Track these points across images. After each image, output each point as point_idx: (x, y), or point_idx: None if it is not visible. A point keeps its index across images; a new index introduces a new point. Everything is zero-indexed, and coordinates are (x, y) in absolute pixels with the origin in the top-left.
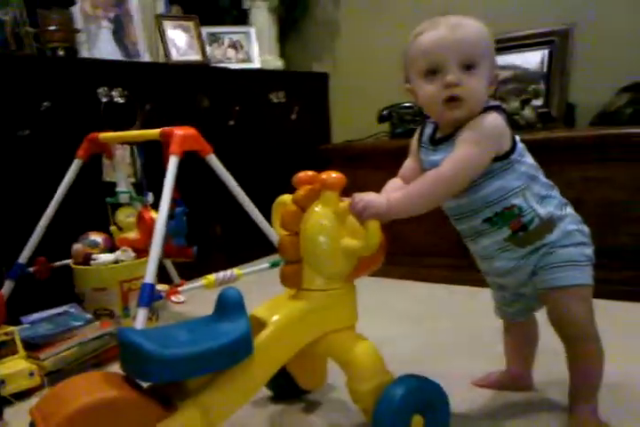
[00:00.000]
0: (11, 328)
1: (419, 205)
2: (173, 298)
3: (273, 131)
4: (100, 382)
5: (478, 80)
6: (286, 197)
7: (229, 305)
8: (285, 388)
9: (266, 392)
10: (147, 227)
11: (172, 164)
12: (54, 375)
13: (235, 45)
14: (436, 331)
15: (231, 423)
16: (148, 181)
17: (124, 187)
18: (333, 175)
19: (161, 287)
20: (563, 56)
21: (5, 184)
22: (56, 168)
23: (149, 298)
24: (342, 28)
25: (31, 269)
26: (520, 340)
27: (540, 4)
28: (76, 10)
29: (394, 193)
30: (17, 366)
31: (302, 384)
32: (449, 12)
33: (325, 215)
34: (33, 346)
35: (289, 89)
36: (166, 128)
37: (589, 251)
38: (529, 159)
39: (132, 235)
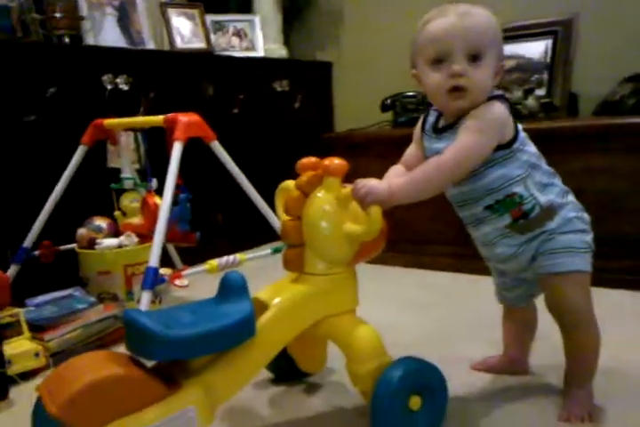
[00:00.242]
0: (16, 310)
1: (420, 192)
2: (177, 282)
3: (276, 119)
4: (106, 361)
5: (484, 71)
6: (289, 183)
7: (232, 288)
8: (286, 370)
9: (267, 374)
10: (150, 212)
11: (177, 150)
12: (59, 356)
13: (239, 34)
14: (438, 317)
15: (232, 404)
16: (152, 168)
17: (128, 173)
18: (336, 161)
19: (164, 271)
20: (566, 46)
21: (11, 169)
22: (61, 154)
23: (153, 281)
24: (346, 18)
25: (36, 252)
26: (519, 325)
27: None
28: None
29: (396, 179)
30: (22, 346)
31: (303, 367)
32: (453, 1)
33: (328, 201)
34: (37, 328)
35: (293, 78)
36: (170, 114)
37: (589, 238)
38: (531, 148)
39: (136, 220)
